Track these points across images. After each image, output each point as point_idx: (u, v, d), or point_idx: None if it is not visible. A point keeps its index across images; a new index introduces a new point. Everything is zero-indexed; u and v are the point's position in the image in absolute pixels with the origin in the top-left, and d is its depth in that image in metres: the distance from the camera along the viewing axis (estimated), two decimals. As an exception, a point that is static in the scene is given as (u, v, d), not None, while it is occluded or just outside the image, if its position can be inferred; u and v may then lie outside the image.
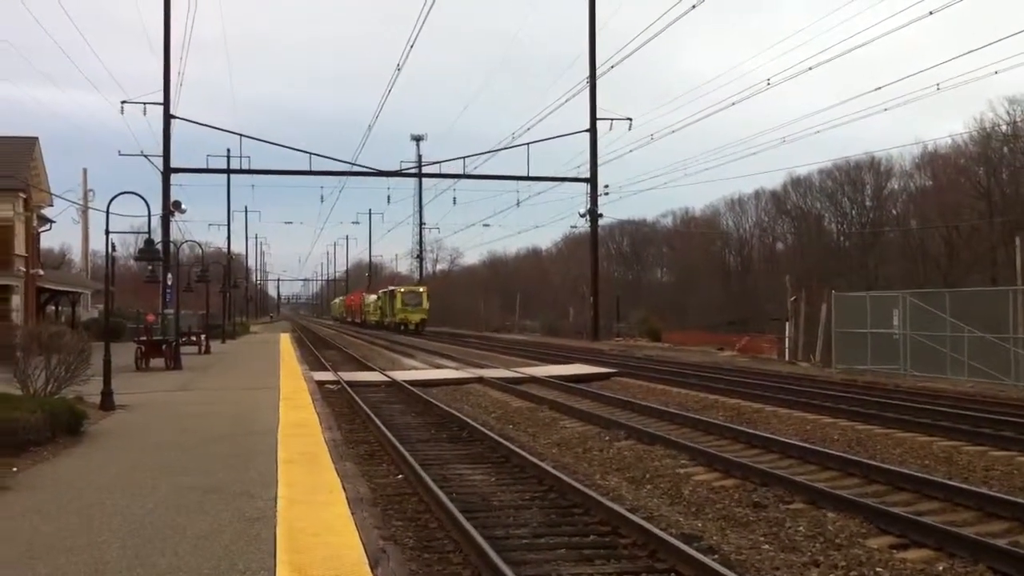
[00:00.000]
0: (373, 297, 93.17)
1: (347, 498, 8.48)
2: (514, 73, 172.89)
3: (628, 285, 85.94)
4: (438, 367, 32.88)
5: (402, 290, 77.94)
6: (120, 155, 49.22)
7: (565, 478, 10.93)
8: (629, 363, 31.97)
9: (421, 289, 77.94)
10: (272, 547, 6.73)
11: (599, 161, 53.69)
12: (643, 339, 54.57)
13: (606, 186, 54.85)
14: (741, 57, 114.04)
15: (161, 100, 47.50)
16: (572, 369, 29.46)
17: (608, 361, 32.91)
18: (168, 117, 48.10)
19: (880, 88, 48.05)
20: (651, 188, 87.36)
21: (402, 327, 71.47)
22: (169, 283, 39.81)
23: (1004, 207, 55.87)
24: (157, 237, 35.07)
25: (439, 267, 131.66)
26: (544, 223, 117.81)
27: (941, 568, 7.75)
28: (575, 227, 63.25)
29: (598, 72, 52.08)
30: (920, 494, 10.49)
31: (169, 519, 7.71)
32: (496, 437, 14.53)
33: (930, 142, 68.95)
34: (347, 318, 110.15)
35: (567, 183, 56.18)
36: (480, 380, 25.92)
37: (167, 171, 48.68)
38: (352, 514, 7.83)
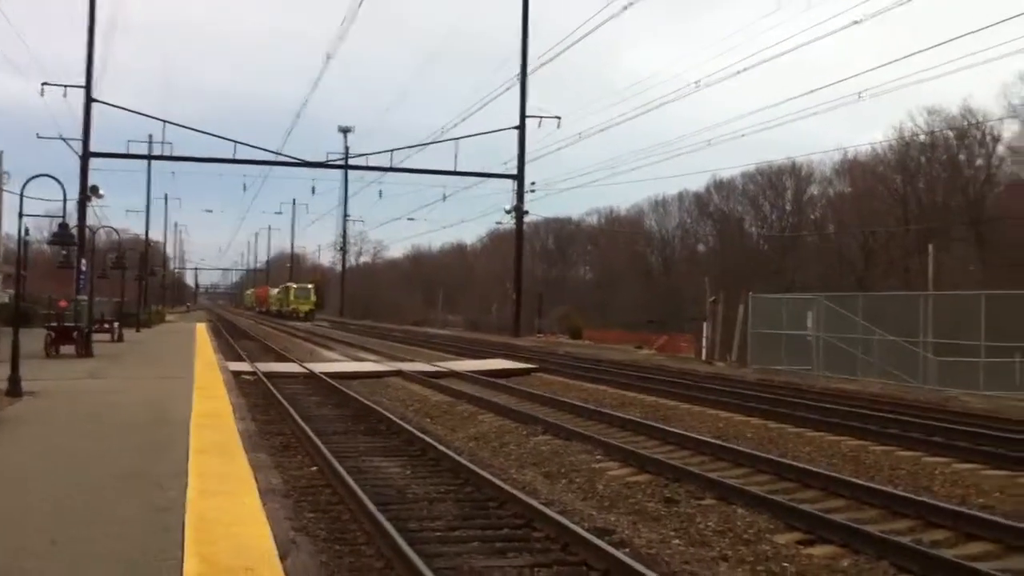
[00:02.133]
0: (275, 291, 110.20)
1: (259, 489, 8.36)
2: (447, 68, 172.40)
3: (552, 282, 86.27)
4: (358, 360, 32.66)
5: (295, 286, 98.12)
6: (38, 138, 47.97)
7: (481, 472, 10.94)
8: (549, 359, 32.12)
9: (310, 285, 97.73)
10: (180, 537, 6.61)
11: (528, 158, 53.85)
12: (564, 336, 54.88)
13: (533, 183, 55.08)
14: (675, 59, 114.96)
15: (83, 83, 46.49)
16: (493, 364, 29.50)
17: (529, 357, 33.00)
18: (89, 100, 47.01)
19: (803, 95, 49.10)
20: (578, 186, 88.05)
21: (295, 315, 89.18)
22: (83, 269, 38.83)
23: (919, 215, 57.39)
24: (73, 222, 34.25)
25: (362, 260, 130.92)
26: (470, 218, 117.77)
27: (846, 564, 7.92)
28: (500, 223, 63.24)
29: (530, 68, 52.24)
30: (828, 491, 10.71)
31: (77, 508, 7.53)
32: (413, 430, 14.49)
33: (850, 149, 70.48)
34: (256, 308, 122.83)
35: (494, 179, 56.27)
36: (400, 374, 25.81)
37: (86, 155, 47.55)
38: (264, 505, 7.73)
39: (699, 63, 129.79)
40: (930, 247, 33.87)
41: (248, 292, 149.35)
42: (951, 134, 57.92)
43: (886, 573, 7.70)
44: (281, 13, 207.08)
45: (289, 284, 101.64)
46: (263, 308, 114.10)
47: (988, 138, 57.01)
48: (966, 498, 10.74)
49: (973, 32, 26.52)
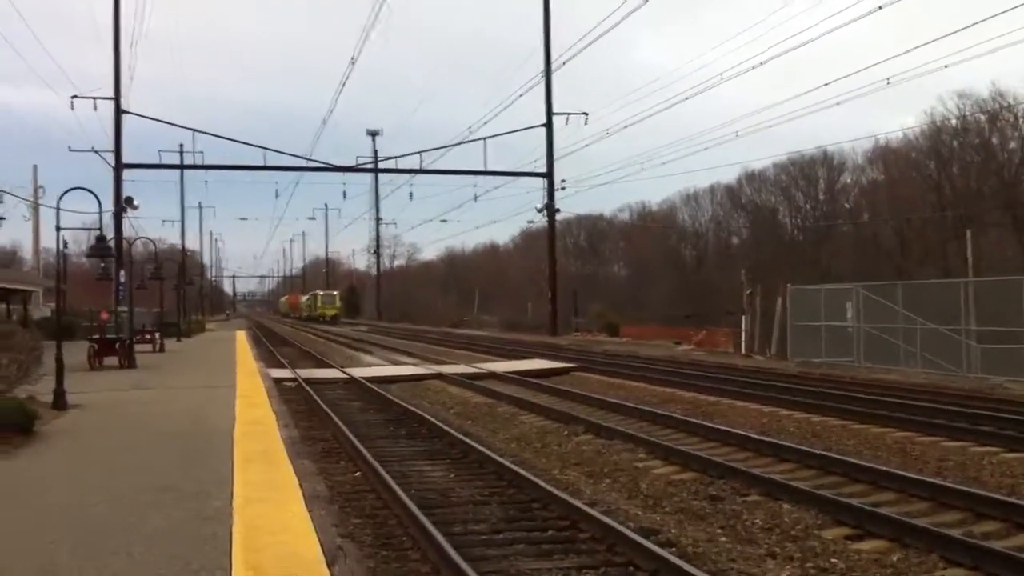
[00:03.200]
0: (304, 297, 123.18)
1: (304, 496, 8.42)
2: (472, 68, 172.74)
3: (585, 279, 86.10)
4: (397, 363, 32.78)
5: (321, 293, 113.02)
6: (71, 151, 48.56)
7: (524, 473, 10.93)
8: (587, 358, 32.07)
9: (335, 293, 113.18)
10: (228, 546, 6.67)
11: (556, 155, 53.79)
12: (601, 334, 54.76)
13: (563, 181, 54.98)
14: (698, 52, 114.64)
15: (112, 95, 46.97)
16: (531, 364, 29.49)
17: (567, 356, 32.97)
18: (119, 112, 47.41)
19: (831, 83, 48.66)
20: (608, 182, 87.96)
21: (322, 319, 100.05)
22: (122, 280, 39.25)
23: (954, 200, 56.71)
24: (109, 234, 34.61)
25: (396, 263, 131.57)
26: (501, 218, 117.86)
27: (895, 558, 7.83)
28: (532, 222, 63.26)
29: (553, 66, 52.21)
30: (875, 485, 10.60)
31: (123, 519, 7.61)
32: (455, 433, 14.50)
33: (882, 136, 69.80)
34: (289, 314, 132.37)
35: (524, 178, 56.25)
36: (439, 376, 25.86)
37: (119, 167, 48.01)
38: (309, 512, 7.78)
39: (720, 56, 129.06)
40: (967, 232, 33.47)
41: (282, 300, 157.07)
42: (983, 117, 57.17)
43: (936, 567, 7.62)
44: (304, 19, 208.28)
45: (316, 292, 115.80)
46: (295, 314, 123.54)
47: (1020, 120, 56.22)
48: (1016, 488, 10.59)
49: (1000, 13, 26.03)
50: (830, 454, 12.41)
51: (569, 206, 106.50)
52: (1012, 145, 56.69)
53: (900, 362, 25.56)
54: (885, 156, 66.99)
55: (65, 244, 18.72)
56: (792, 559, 7.89)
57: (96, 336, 27.17)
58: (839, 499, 9.52)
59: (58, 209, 17.22)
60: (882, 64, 64.07)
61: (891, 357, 25.94)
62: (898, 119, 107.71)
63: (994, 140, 57.88)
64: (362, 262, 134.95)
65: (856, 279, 34.73)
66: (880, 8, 27.98)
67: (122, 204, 47.47)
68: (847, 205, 71.47)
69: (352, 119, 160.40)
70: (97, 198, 19.18)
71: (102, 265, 31.17)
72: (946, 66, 29.30)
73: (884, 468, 11.33)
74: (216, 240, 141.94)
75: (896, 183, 63.86)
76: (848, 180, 72.81)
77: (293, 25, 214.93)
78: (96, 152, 47.10)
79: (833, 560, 7.81)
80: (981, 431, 13.97)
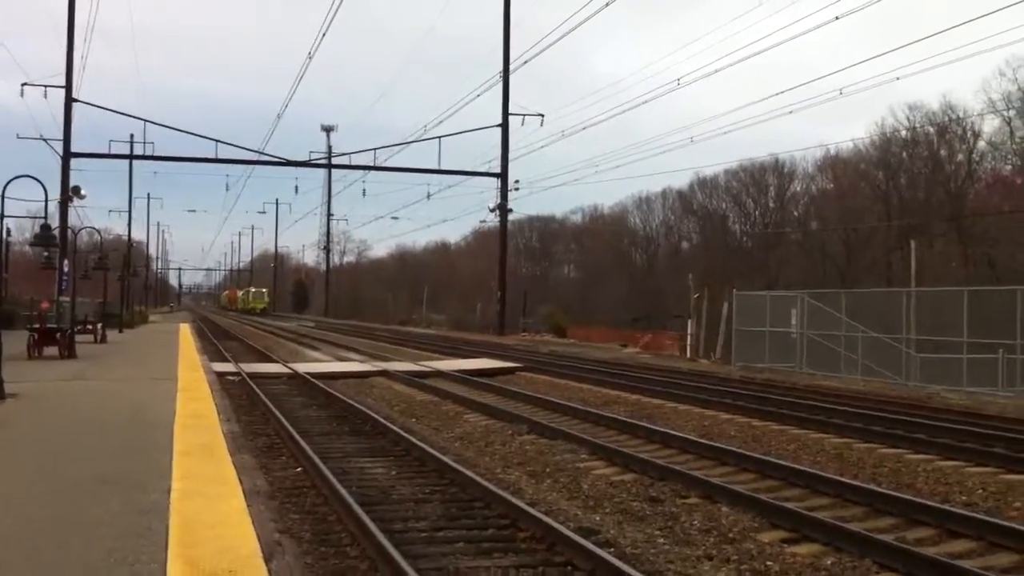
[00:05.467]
0: (240, 293, 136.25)
1: (243, 491, 8.34)
2: (430, 66, 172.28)
3: (536, 281, 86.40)
4: (343, 360, 32.60)
5: (253, 289, 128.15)
6: (19, 138, 47.79)
7: (466, 471, 10.93)
8: (534, 358, 32.13)
9: (264, 290, 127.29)
10: (164, 539, 6.59)
11: (511, 156, 53.91)
12: (549, 335, 54.92)
13: (517, 181, 55.16)
14: (656, 58, 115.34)
15: (63, 84, 46.23)
16: (478, 363, 29.50)
17: (514, 356, 33.02)
18: (69, 100, 46.76)
19: (785, 91, 49.28)
20: (562, 184, 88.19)
21: (253, 311, 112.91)
22: (65, 270, 38.64)
23: (901, 211, 57.65)
24: (55, 223, 34.02)
25: (346, 259, 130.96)
26: (454, 217, 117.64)
27: (829, 562, 7.95)
28: (484, 222, 63.40)
29: (512, 67, 52.30)
30: (812, 489, 10.75)
31: (59, 511, 7.49)
32: (398, 430, 14.46)
33: (832, 146, 70.74)
34: (228, 307, 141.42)
35: (478, 177, 56.27)
36: (385, 373, 25.78)
37: (67, 155, 47.32)
38: (248, 507, 7.71)
39: (678, 61, 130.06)
40: (912, 243, 34.05)
41: (224, 294, 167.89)
42: (932, 130, 58.21)
43: (869, 571, 7.74)
44: (260, 13, 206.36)
45: (249, 288, 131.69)
46: (233, 307, 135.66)
47: (968, 133, 57.32)
48: (949, 495, 10.80)
49: (952, 28, 26.57)
50: (769, 458, 12.55)
51: (522, 207, 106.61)
52: (959, 158, 57.75)
53: (841, 369, 25.96)
54: (835, 165, 67.94)
55: (8, 232, 18.41)
56: (729, 561, 7.97)
57: (36, 325, 26.70)
58: (776, 503, 9.64)
59: (2, 197, 16.97)
60: (836, 74, 65.04)
61: (833, 364, 26.33)
62: (849, 130, 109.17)
63: (942, 152, 58.92)
64: (312, 257, 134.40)
65: (803, 286, 35.27)
66: (837, 19, 28.42)
67: (69, 193, 46.74)
68: (796, 213, 72.33)
69: (307, 114, 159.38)
70: (43, 186, 18.94)
71: (45, 254, 30.64)
72: (898, 78, 29.92)
73: (821, 473, 11.49)
74: (163, 232, 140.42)
75: (845, 192, 64.77)
76: (798, 188, 73.76)
77: (250, 18, 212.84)
78: (44, 140, 46.42)
79: (769, 563, 7.90)
80: (917, 439, 14.20)
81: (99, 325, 35.19)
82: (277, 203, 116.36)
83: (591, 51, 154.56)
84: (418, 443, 13.15)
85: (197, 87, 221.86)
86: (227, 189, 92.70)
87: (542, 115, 51.66)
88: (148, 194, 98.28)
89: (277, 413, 15.93)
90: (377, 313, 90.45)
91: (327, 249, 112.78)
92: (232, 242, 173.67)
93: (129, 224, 74.97)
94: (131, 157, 53.01)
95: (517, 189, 55.00)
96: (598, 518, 9.52)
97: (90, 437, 11.63)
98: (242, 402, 18.71)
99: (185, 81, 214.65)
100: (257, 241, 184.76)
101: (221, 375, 22.49)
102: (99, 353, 28.26)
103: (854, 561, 7.93)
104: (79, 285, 38.96)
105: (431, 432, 15.80)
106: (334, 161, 64.55)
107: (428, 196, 59.05)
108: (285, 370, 25.74)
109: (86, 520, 7.18)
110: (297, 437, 13.13)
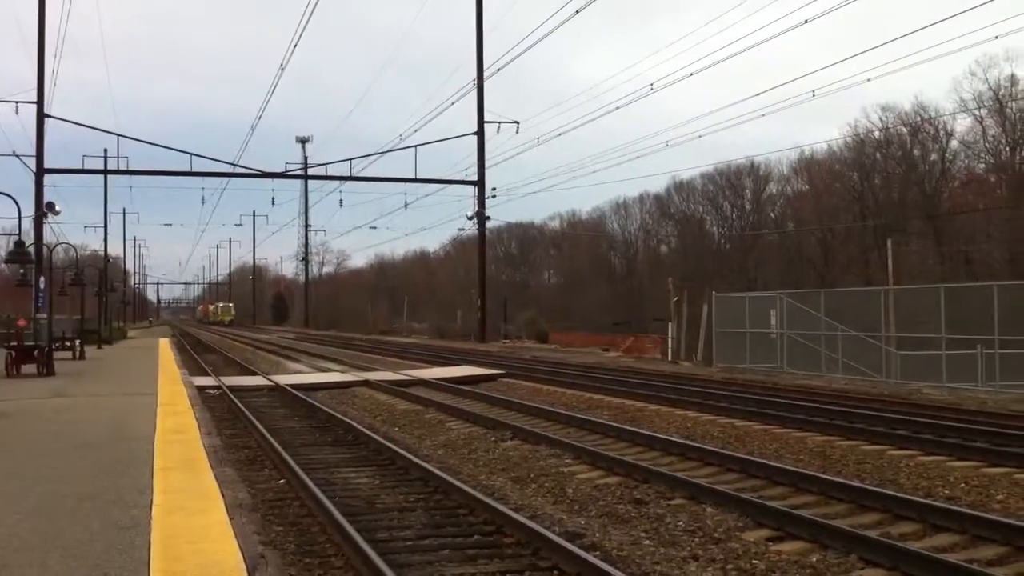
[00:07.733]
0: (212, 306, 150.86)
1: (226, 504, 8.27)
2: (404, 74, 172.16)
3: (516, 287, 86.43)
4: (323, 370, 32.49)
5: (221, 304, 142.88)
6: (-10, 155, 47.35)
7: (450, 479, 10.89)
8: (516, 364, 32.10)
9: (231, 304, 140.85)
10: (146, 555, 6.52)
11: (488, 163, 53.90)
12: (530, 340, 54.98)
13: (494, 189, 55.18)
14: (630, 63, 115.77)
15: (35, 99, 45.92)
16: (459, 371, 29.43)
17: (495, 363, 32.98)
18: (42, 115, 46.36)
19: (759, 94, 49.52)
20: (539, 191, 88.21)
21: (222, 323, 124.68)
22: (42, 287, 38.36)
23: (877, 210, 58.05)
24: (29, 239, 33.76)
25: (325, 270, 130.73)
26: (432, 225, 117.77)
27: (815, 559, 7.96)
28: (463, 229, 63.27)
29: (487, 73, 52.33)
30: (796, 488, 10.77)
31: (39, 528, 7.40)
32: (381, 440, 14.41)
33: (807, 147, 71.19)
34: (203, 320, 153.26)
35: (455, 185, 56.24)
36: (366, 383, 25.69)
37: (40, 171, 46.95)
38: (231, 520, 7.64)
39: (654, 65, 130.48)
40: (888, 242, 34.22)
41: (199, 308, 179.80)
42: (905, 130, 58.67)
43: (854, 567, 7.75)
44: (232, 25, 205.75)
45: (219, 303, 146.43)
46: (207, 319, 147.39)
47: (941, 133, 57.80)
48: (932, 490, 10.84)
49: (922, 28, 26.79)
50: (752, 458, 12.57)
51: (500, 214, 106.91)
52: (933, 157, 58.25)
53: (822, 368, 26.04)
54: (810, 167, 68.36)
55: (-19, 249, 18.24)
56: (714, 561, 7.97)
57: (13, 343, 26.46)
58: (760, 502, 9.65)
59: (-27, 212, 16.79)
60: (809, 77, 65.53)
61: (813, 363, 26.42)
62: (824, 131, 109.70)
63: (916, 152, 59.41)
64: (290, 269, 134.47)
65: (781, 287, 35.42)
66: (806, 22, 28.58)
67: (43, 209, 46.39)
68: (773, 215, 72.72)
69: (282, 125, 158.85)
70: (16, 203, 18.80)
71: (21, 271, 30.40)
72: (869, 79, 30.13)
73: (804, 471, 11.51)
74: (140, 246, 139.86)
75: (820, 193, 65.16)
76: (774, 190, 74.21)
77: (224, 29, 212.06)
78: (17, 156, 46.07)
79: (754, 561, 7.91)
80: (899, 435, 14.27)
81: (77, 342, 34.92)
82: (254, 215, 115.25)
83: (567, 57, 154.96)
84: (401, 452, 13.11)
85: (170, 99, 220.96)
86: (203, 202, 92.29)
87: (517, 122, 51.69)
88: (124, 209, 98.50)
89: (259, 425, 15.84)
90: (357, 323, 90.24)
91: (306, 260, 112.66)
92: (210, 255, 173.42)
93: (105, 239, 74.41)
94: (105, 172, 52.63)
95: (494, 197, 55.09)
96: (583, 522, 9.50)
97: (70, 454, 11.51)
98: (223, 415, 18.60)
99: (158, 93, 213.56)
100: (235, 253, 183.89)
101: (202, 389, 22.33)
102: (78, 370, 28.03)
103: (839, 557, 7.95)
104: (57, 302, 38.71)
105: (414, 440, 15.75)
106: (310, 172, 64.31)
107: (406, 205, 58.87)
108: (266, 382, 25.63)
109: (67, 537, 7.10)
110: (279, 449, 13.06)
